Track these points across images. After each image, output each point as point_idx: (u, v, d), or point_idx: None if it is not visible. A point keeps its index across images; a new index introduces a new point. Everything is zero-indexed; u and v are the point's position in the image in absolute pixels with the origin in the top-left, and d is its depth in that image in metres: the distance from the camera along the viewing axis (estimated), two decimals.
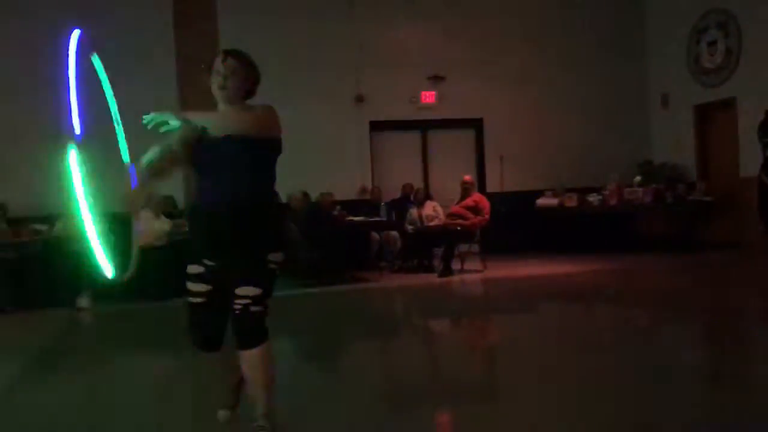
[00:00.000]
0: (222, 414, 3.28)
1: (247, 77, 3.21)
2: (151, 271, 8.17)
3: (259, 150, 3.05)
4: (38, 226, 8.37)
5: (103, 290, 8.03)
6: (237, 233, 2.89)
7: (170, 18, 10.23)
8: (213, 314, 3.01)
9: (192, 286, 2.98)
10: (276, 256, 2.97)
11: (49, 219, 8.33)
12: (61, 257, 7.67)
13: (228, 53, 3.15)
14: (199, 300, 2.99)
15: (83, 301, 7.72)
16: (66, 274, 7.49)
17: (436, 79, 11.39)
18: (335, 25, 10.91)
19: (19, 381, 4.66)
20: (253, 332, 2.90)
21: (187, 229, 3.10)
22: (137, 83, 8.98)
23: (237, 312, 2.88)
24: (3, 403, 4.18)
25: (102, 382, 4.74)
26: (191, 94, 10.20)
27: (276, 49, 10.49)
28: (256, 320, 2.88)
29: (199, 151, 2.99)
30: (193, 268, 2.97)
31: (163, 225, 8.46)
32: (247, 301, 2.86)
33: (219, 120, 3.02)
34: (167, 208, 8.86)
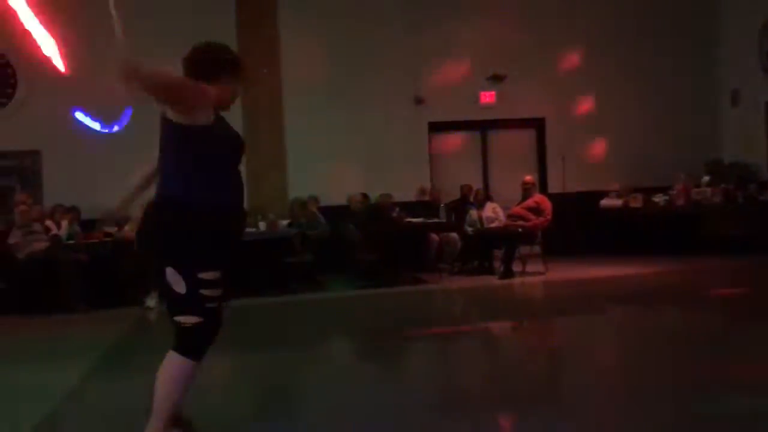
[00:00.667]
0: None
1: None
2: None
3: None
4: (108, 229, 8.65)
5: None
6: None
7: (233, 23, 10.43)
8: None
9: (211, 292, 2.84)
10: None
11: (119, 222, 8.60)
12: (129, 258, 7.92)
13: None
14: (215, 305, 2.89)
15: (150, 301, 7.95)
16: (134, 275, 7.74)
17: (495, 79, 11.28)
18: (394, 27, 10.93)
19: (91, 377, 4.82)
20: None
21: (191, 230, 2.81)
22: None
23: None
24: (77, 398, 4.33)
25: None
26: (252, 98, 10.45)
27: (336, 53, 10.62)
28: None
29: (213, 144, 2.83)
30: (210, 274, 2.82)
31: None
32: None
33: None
34: None
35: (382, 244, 8.79)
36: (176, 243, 2.80)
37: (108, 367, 5.22)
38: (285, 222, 9.48)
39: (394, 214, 9.54)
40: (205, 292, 2.80)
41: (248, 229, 9.08)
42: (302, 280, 8.85)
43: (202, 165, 2.82)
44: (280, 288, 8.58)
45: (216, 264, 2.84)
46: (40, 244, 8.32)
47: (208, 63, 2.96)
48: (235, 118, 11.06)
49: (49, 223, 8.74)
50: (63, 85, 9.66)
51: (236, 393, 4.45)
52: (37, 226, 8.56)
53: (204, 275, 2.80)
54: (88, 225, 8.92)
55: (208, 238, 2.80)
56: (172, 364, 2.87)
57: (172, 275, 2.81)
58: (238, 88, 3.06)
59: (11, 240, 8.32)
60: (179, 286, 2.81)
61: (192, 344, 2.86)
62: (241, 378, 4.94)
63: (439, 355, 5.53)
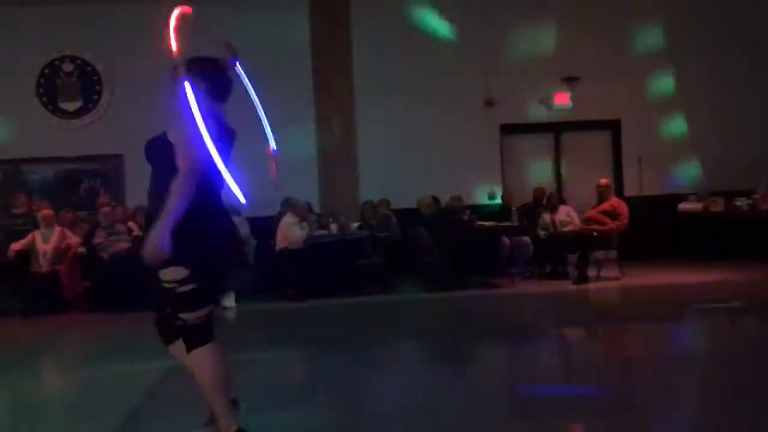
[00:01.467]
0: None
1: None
2: (290, 273, 8.60)
3: None
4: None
5: (246, 290, 8.55)
6: None
7: (306, 26, 10.61)
8: None
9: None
10: None
11: None
12: None
13: None
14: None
15: (228, 301, 8.17)
16: None
17: (570, 80, 11.08)
18: (465, 28, 10.90)
19: (172, 371, 4.98)
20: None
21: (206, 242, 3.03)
22: (273, 104, 9.43)
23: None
24: (160, 390, 4.49)
25: (245, 376, 4.96)
26: (324, 102, 10.61)
27: (407, 56, 10.66)
28: None
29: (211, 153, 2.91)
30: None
31: (305, 230, 8.78)
32: None
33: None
34: (308, 214, 9.18)
35: (452, 247, 8.75)
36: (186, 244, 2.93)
37: None
38: (356, 224, 9.57)
39: (465, 217, 9.49)
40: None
41: (320, 232, 9.24)
42: (373, 282, 8.91)
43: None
44: (350, 289, 8.66)
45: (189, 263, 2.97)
46: (123, 245, 8.66)
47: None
48: (307, 121, 11.37)
49: (131, 224, 9.09)
50: (144, 91, 10.04)
51: (308, 388, 4.51)
52: (119, 227, 8.92)
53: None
54: None
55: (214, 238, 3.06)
56: (198, 361, 3.06)
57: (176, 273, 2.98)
58: None
59: (96, 240, 8.70)
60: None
61: (197, 335, 3.04)
62: (316, 375, 5.01)
63: (511, 361, 5.46)
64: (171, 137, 3.06)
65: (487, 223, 9.48)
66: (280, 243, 8.77)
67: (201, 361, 3.02)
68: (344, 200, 10.57)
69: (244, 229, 9.06)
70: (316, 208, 10.18)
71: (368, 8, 10.71)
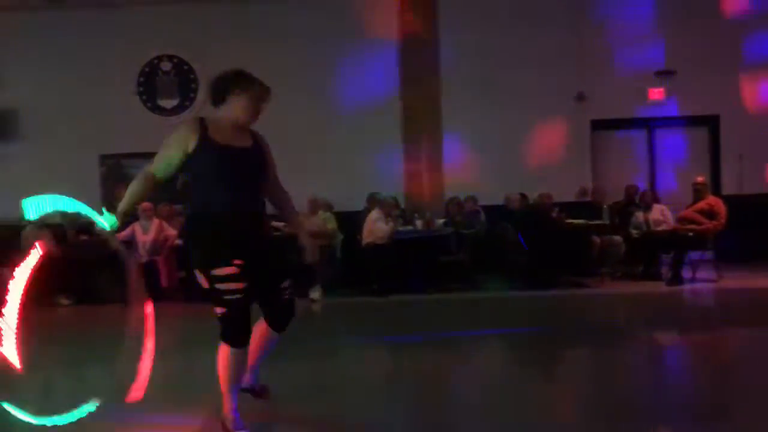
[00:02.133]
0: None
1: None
2: (375, 268, 8.69)
3: None
4: (276, 223, 9.13)
5: (332, 284, 8.71)
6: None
7: (394, 24, 10.69)
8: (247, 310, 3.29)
9: (227, 286, 3.20)
10: None
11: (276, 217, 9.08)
12: (295, 252, 8.33)
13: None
14: (235, 297, 3.21)
15: (315, 293, 8.34)
16: (300, 268, 8.12)
17: (665, 75, 10.69)
18: (555, 20, 10.68)
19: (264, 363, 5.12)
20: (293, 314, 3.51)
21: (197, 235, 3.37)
22: (359, 100, 9.67)
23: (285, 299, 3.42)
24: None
25: (329, 368, 5.06)
26: (411, 98, 10.64)
27: (495, 49, 10.56)
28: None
29: (220, 163, 3.28)
30: (222, 270, 3.20)
31: (390, 225, 8.85)
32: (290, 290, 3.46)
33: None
34: (394, 209, 9.24)
35: (540, 245, 8.62)
36: (191, 248, 3.36)
37: (279, 351, 5.50)
38: (441, 221, 9.56)
39: (554, 215, 9.32)
40: (221, 286, 3.19)
41: (405, 228, 9.29)
42: (457, 279, 8.89)
43: (197, 182, 3.37)
44: (434, 286, 8.67)
45: (226, 261, 3.20)
46: None
47: (215, 87, 3.43)
48: (393, 117, 11.46)
49: None
50: None
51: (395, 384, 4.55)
52: None
53: (217, 272, 3.19)
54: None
55: (210, 240, 3.25)
56: (219, 351, 3.35)
57: (197, 275, 3.31)
58: (254, 99, 3.39)
59: None
60: (203, 282, 3.29)
61: (224, 332, 3.29)
62: (397, 371, 5.05)
63: (600, 363, 5.33)
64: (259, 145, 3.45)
65: (576, 221, 9.28)
66: (366, 238, 8.87)
67: (224, 354, 3.34)
68: (429, 196, 10.59)
69: (331, 224, 9.23)
70: (401, 204, 10.25)
71: (456, 2, 10.66)
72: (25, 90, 10.69)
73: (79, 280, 9.17)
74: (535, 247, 8.64)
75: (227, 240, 3.24)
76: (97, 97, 10.64)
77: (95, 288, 9.24)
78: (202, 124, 3.34)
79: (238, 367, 3.35)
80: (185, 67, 10.88)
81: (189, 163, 3.33)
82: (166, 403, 4.32)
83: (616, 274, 9.36)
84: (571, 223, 9.23)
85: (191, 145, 3.30)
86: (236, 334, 3.28)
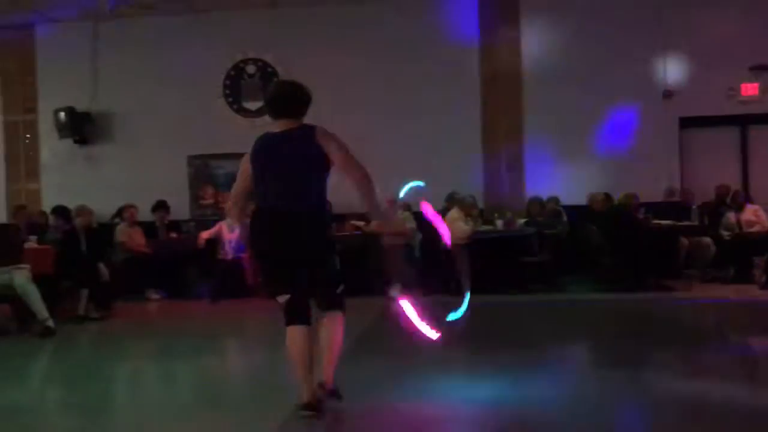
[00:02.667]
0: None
1: None
2: (454, 268, 8.65)
3: None
4: (355, 222, 9.25)
5: (411, 283, 8.72)
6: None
7: (475, 24, 10.64)
8: None
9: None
10: None
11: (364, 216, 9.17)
12: (375, 251, 8.43)
13: None
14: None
15: (395, 291, 8.37)
16: (380, 266, 8.22)
17: (759, 69, 10.20)
18: (640, 14, 10.37)
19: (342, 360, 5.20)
20: None
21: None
22: (440, 96, 9.63)
23: None
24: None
25: (408, 364, 5.08)
26: (491, 96, 10.57)
27: (578, 45, 10.35)
28: None
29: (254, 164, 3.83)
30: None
31: (470, 225, 8.83)
32: None
33: None
34: (473, 210, 9.19)
35: (625, 246, 8.39)
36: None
37: (358, 350, 5.58)
38: (522, 221, 9.44)
39: (640, 216, 9.06)
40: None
41: (485, 227, 9.23)
42: (538, 279, 8.76)
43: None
44: (515, 287, 8.57)
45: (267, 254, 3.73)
46: None
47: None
48: (473, 116, 11.36)
49: None
50: (317, 91, 10.55)
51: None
52: None
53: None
54: (339, 218, 9.63)
55: (262, 235, 3.71)
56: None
57: None
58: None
59: None
60: None
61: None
62: (477, 372, 5.02)
63: (688, 370, 5.14)
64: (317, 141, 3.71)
65: (663, 222, 8.99)
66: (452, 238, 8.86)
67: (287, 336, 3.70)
68: (510, 196, 10.47)
69: (410, 223, 9.26)
70: (480, 204, 10.18)
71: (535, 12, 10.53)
72: (119, 95, 11.20)
73: (169, 276, 9.55)
74: (620, 249, 8.41)
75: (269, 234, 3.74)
76: (186, 101, 11.02)
77: (184, 283, 9.61)
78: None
79: (293, 348, 3.69)
80: (269, 70, 11.13)
81: None
82: (252, 400, 4.46)
83: (705, 278, 9.02)
84: (658, 224, 8.95)
85: None
86: (288, 317, 3.70)
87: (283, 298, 3.67)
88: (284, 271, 3.70)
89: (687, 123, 10.48)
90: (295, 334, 3.65)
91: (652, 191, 9.98)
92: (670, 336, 6.19)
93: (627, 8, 10.40)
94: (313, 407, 3.61)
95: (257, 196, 3.75)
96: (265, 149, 3.72)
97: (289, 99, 3.75)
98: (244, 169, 3.83)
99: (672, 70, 10.33)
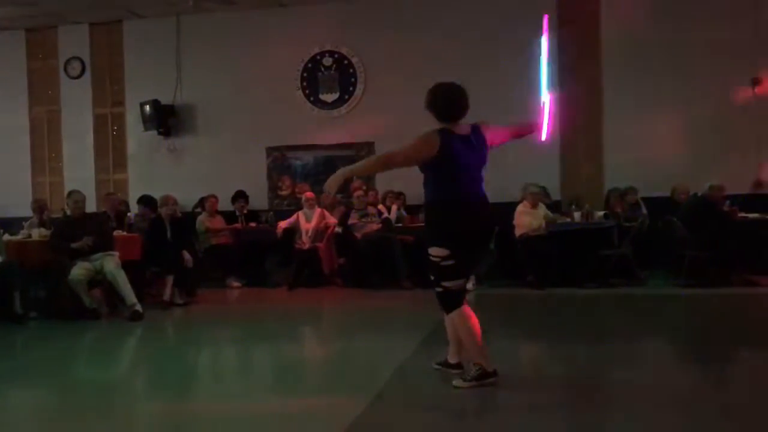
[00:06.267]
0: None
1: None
2: (530, 260, 8.56)
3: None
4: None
5: (487, 275, 8.68)
6: None
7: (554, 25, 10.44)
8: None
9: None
10: (434, 251, 4.00)
11: None
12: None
13: None
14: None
15: (468, 284, 8.33)
16: None
17: None
18: (734, 5, 9.95)
19: (415, 352, 5.25)
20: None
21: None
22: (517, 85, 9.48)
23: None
24: (408, 369, 4.75)
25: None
26: (571, 83, 10.35)
27: (660, 31, 10.02)
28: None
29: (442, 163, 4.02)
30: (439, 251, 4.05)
31: (538, 219, 8.71)
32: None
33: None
34: (542, 199, 9.06)
35: (710, 240, 8.09)
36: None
37: (433, 342, 5.61)
38: (601, 213, 9.23)
39: (725, 208, 8.72)
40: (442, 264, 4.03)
41: (563, 219, 9.08)
42: (618, 273, 8.56)
43: (433, 177, 4.09)
44: (594, 280, 8.40)
45: (444, 243, 4.00)
46: (374, 226, 9.25)
47: None
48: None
49: (381, 207, 9.65)
50: (393, 82, 10.62)
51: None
52: (371, 210, 9.52)
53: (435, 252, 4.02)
54: (414, 209, 9.67)
55: (464, 221, 4.02)
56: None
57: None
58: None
59: (350, 221, 9.38)
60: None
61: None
62: (553, 365, 4.96)
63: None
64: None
65: (751, 215, 8.63)
66: (518, 229, 8.77)
67: (457, 320, 4.07)
68: (588, 187, 10.26)
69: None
70: (557, 195, 10.01)
71: None
72: (200, 88, 11.53)
73: (249, 265, 9.80)
74: (703, 242, 8.12)
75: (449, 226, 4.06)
76: (264, 93, 11.26)
77: (263, 271, 9.84)
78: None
79: (475, 320, 4.08)
80: (345, 62, 11.24)
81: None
82: (329, 386, 4.55)
83: None
84: (745, 216, 8.60)
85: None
86: (463, 297, 4.11)
87: (456, 284, 4.03)
88: (472, 257, 4.12)
89: None
90: (470, 312, 4.08)
91: (740, 183, 9.59)
92: (757, 333, 5.95)
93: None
94: (496, 374, 4.07)
95: (447, 187, 4.01)
96: (464, 148, 4.05)
97: (466, 102, 4.14)
98: (417, 153, 4.02)
99: (759, 59, 9.88)
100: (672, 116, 10.05)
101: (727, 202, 8.88)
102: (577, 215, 9.03)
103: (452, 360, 4.37)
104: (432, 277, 4.08)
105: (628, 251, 8.58)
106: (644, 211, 9.27)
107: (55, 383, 4.78)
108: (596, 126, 10.40)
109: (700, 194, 8.71)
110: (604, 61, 10.33)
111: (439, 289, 4.06)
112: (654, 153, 9.94)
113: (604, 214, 9.17)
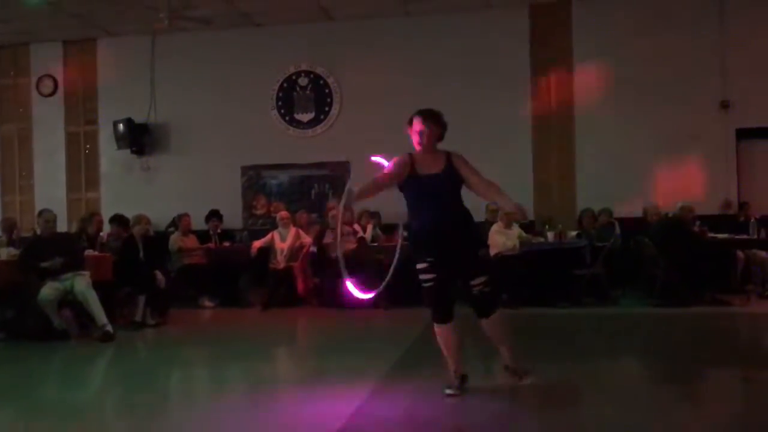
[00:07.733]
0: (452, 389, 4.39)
1: (438, 133, 4.41)
2: (504, 279, 8.60)
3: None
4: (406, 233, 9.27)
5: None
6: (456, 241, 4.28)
7: (527, 38, 10.61)
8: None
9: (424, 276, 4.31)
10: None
11: None
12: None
13: (425, 117, 4.40)
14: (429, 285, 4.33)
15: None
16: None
17: None
18: (698, 23, 10.20)
19: (395, 370, 5.24)
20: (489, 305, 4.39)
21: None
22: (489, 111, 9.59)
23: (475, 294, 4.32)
24: (383, 388, 4.75)
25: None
26: (542, 108, 10.50)
27: (630, 53, 10.23)
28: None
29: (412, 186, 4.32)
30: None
31: (511, 240, 8.81)
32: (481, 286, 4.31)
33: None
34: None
35: (680, 260, 8.21)
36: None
37: (409, 360, 5.60)
38: (573, 233, 9.33)
39: (695, 228, 8.87)
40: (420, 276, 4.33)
41: (536, 239, 9.16)
42: (590, 293, 8.64)
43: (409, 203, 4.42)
44: (566, 299, 8.47)
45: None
46: (350, 245, 9.23)
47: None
48: (524, 128, 11.30)
49: (356, 226, 9.65)
50: (368, 102, 10.69)
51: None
52: (346, 229, 9.49)
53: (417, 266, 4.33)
54: (388, 229, 9.69)
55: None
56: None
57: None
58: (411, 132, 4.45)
59: (326, 240, 9.36)
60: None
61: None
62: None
63: (746, 390, 4.99)
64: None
65: (720, 236, 8.79)
66: (492, 249, 8.83)
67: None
68: (560, 207, 10.38)
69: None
70: (530, 215, 10.09)
71: (589, 4, 10.44)
72: (175, 107, 11.50)
73: (223, 284, 9.71)
74: (674, 262, 8.24)
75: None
76: (240, 112, 11.26)
77: (236, 291, 9.76)
78: (411, 159, 4.33)
79: (444, 342, 4.41)
80: (321, 82, 11.29)
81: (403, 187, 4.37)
82: (303, 407, 4.51)
83: (763, 292, 8.77)
84: (714, 237, 8.75)
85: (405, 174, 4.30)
86: (434, 312, 4.37)
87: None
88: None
89: (744, 135, 10.24)
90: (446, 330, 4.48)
91: (709, 204, 9.78)
92: (728, 352, 6.03)
93: (683, 17, 10.24)
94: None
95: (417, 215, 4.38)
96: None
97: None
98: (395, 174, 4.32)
99: (730, 81, 10.12)
100: (641, 137, 10.22)
101: (697, 222, 9.03)
102: (550, 235, 9.12)
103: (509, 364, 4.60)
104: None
105: (600, 271, 8.67)
106: (617, 231, 9.38)
107: (23, 405, 4.68)
108: (569, 147, 10.54)
109: (670, 215, 8.85)
110: (575, 81, 10.51)
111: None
112: (626, 174, 10.10)
113: (577, 234, 9.27)
